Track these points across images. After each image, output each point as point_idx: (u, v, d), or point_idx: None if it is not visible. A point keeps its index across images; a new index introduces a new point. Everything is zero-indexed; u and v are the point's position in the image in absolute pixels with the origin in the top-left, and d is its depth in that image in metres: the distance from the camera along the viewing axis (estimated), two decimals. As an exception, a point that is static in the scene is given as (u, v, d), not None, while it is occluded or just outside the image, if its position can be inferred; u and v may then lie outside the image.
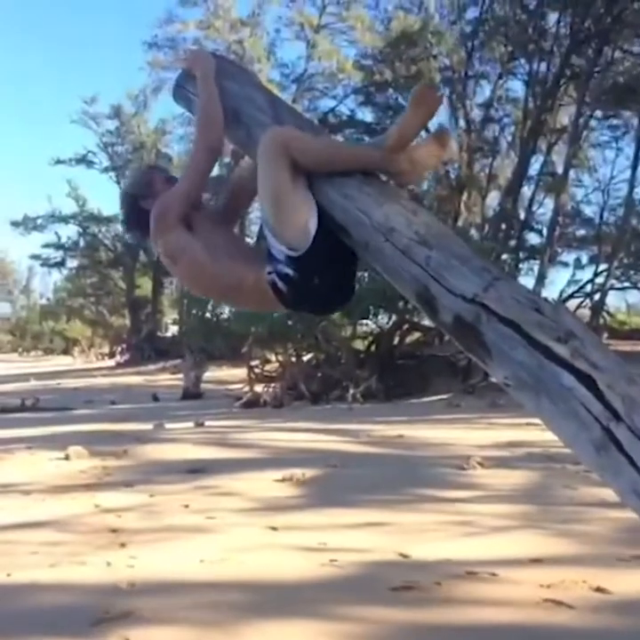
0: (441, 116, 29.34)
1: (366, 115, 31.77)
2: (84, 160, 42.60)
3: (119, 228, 44.97)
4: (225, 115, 2.43)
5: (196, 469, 8.72)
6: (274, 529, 6.07)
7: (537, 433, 9.63)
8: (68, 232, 44.82)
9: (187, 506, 6.93)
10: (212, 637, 4.00)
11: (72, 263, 47.03)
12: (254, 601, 4.50)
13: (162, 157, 42.31)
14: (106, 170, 43.51)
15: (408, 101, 2.33)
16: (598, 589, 4.49)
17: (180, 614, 4.30)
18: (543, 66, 25.94)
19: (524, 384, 1.97)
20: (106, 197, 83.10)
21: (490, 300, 2.00)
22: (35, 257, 46.67)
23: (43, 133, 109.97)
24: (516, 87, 29.66)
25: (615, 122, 28.66)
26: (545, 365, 1.91)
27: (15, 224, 43.15)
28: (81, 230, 44.42)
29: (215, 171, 2.68)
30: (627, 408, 1.83)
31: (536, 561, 5.09)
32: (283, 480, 7.94)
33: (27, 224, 42.97)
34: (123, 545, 5.68)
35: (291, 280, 2.26)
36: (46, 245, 44.26)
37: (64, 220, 43.39)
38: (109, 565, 5.18)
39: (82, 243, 44.72)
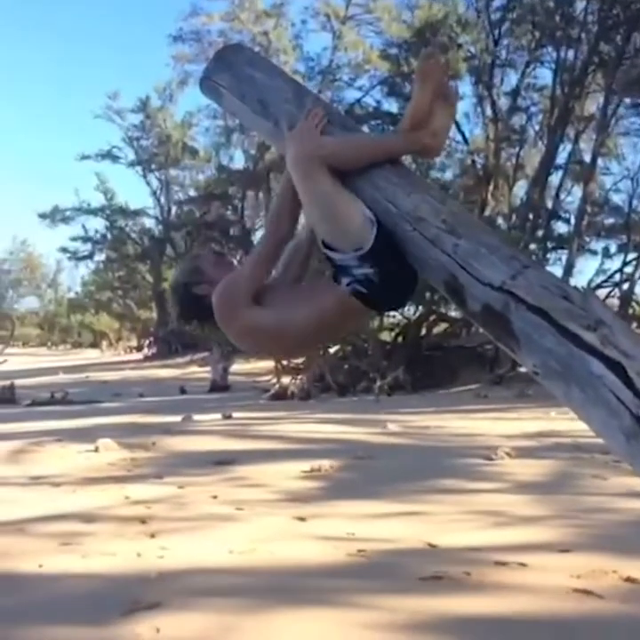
0: (467, 105, 29.26)
1: (392, 105, 31.70)
2: (109, 155, 42.81)
3: (145, 221, 45.35)
4: (251, 106, 2.44)
5: (225, 461, 8.76)
6: (302, 519, 6.09)
7: (566, 423, 9.59)
8: (96, 225, 45.15)
9: (215, 497, 6.97)
10: (241, 626, 4.02)
11: (100, 256, 47.37)
12: (283, 590, 4.52)
13: (188, 151, 42.45)
14: (131, 164, 43.70)
15: (414, 78, 2.36)
16: (628, 579, 4.47)
17: (209, 603, 4.33)
18: (571, 53, 25.70)
19: (553, 372, 1.96)
20: (132, 191, 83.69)
21: (518, 288, 1.99)
22: (63, 250, 47.04)
23: (69, 130, 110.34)
24: (544, 75, 29.32)
25: (642, 110, 28.39)
26: (574, 353, 1.90)
27: (43, 216, 43.47)
28: (108, 224, 44.65)
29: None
30: (657, 396, 1.81)
31: (565, 551, 5.07)
32: (310, 471, 7.96)
33: (54, 216, 43.25)
34: (152, 535, 5.72)
35: (371, 278, 2.22)
36: (74, 238, 44.61)
37: (92, 212, 43.61)
38: (139, 556, 5.22)
39: (109, 236, 44.97)
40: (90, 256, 46.48)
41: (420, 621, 4.06)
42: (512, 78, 29.27)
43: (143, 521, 6.18)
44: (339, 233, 2.22)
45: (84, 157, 42.72)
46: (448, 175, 30.24)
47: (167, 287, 43.08)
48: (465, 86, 29.58)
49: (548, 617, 4.05)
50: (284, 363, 21.35)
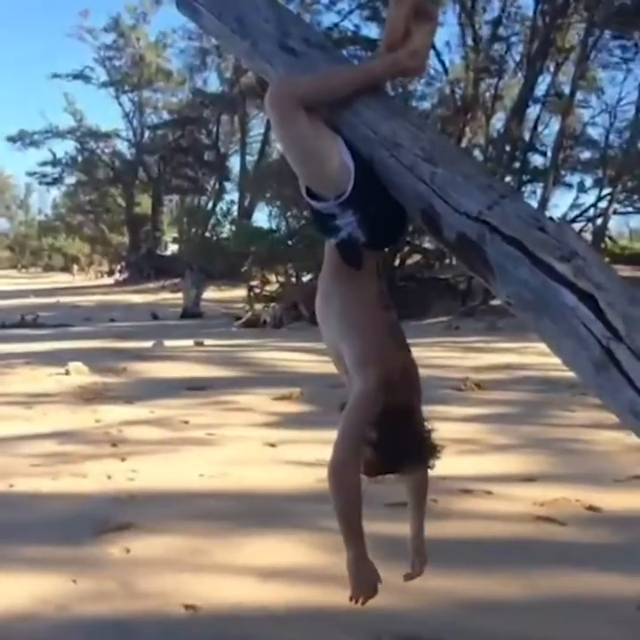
0: (448, 34, 28.80)
1: (371, 30, 31.10)
2: (81, 75, 41.78)
3: (117, 144, 44.58)
4: (229, 25, 2.37)
5: (196, 387, 8.80)
6: (272, 445, 6.16)
7: (535, 356, 9.71)
8: (66, 148, 44.34)
9: (187, 422, 7.02)
10: (210, 548, 4.09)
11: (70, 179, 46.62)
12: (251, 513, 4.58)
13: (161, 72, 41.58)
14: (104, 85, 42.73)
15: None
16: (591, 508, 4.59)
17: (179, 525, 4.39)
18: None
19: (526, 303, 1.96)
20: (104, 113, 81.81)
21: (494, 218, 1.97)
22: (31, 174, 46.27)
23: (37, 48, 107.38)
24: (527, 5, 28.81)
25: (625, 42, 28.06)
26: (548, 284, 1.90)
27: (11, 139, 42.62)
28: (79, 146, 43.87)
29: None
30: (627, 328, 1.82)
31: (530, 480, 5.18)
32: (282, 398, 8.03)
33: (23, 139, 42.41)
34: (123, 458, 5.77)
35: (357, 227, 2.16)
36: (44, 163, 43.82)
37: (61, 135, 42.76)
38: (110, 478, 5.27)
39: (79, 159, 44.20)
40: (59, 179, 45.74)
41: (384, 545, 4.14)
42: (495, 6, 28.78)
43: (114, 444, 6.22)
44: (318, 177, 2.16)
45: (55, 76, 41.74)
46: (427, 105, 29.85)
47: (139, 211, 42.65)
48: (447, 13, 29.07)
49: (511, 541, 4.16)
50: (257, 291, 21.33)
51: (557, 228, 1.98)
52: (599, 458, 5.80)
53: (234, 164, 42.33)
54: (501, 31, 28.70)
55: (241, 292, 22.39)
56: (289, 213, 22.66)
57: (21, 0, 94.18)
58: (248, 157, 39.92)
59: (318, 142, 2.12)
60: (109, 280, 41.25)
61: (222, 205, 36.53)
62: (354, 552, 2.21)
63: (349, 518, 2.22)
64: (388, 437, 2.24)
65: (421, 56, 2.26)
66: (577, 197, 30.11)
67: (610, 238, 29.43)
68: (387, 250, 2.40)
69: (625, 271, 21.87)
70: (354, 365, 2.24)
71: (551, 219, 2.04)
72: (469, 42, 28.25)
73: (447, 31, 28.36)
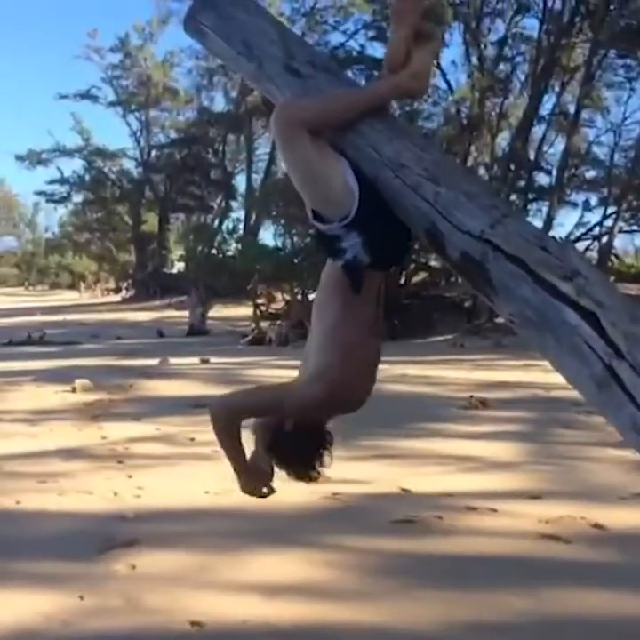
0: (453, 53, 28.95)
1: (377, 50, 31.28)
2: (88, 95, 42.11)
3: (124, 163, 44.81)
4: (235, 47, 2.41)
5: (202, 404, 8.79)
6: (278, 463, 6.15)
7: (540, 374, 9.70)
8: (74, 166, 44.60)
9: (192, 439, 7.03)
10: (216, 564, 4.10)
11: (77, 198, 46.87)
12: (257, 531, 4.59)
13: (168, 91, 41.82)
14: (111, 104, 43.03)
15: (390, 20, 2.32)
16: (596, 526, 4.59)
17: (185, 542, 4.40)
18: (558, 3, 25.44)
19: (528, 321, 1.98)
20: (112, 132, 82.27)
21: (497, 237, 2.00)
22: (39, 193, 46.57)
23: (45, 68, 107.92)
24: (531, 25, 28.96)
25: (629, 62, 28.16)
26: (550, 303, 1.92)
27: (20, 158, 42.90)
28: (86, 165, 44.12)
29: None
30: (629, 345, 1.84)
31: (535, 497, 5.18)
32: (287, 415, 8.03)
33: (31, 158, 42.69)
34: (129, 475, 5.78)
35: (360, 250, 2.15)
36: (51, 181, 44.09)
37: (69, 154, 43.07)
38: (116, 495, 5.29)
39: (87, 177, 44.44)
40: (67, 198, 45.99)
41: (390, 562, 4.16)
42: (499, 27, 28.95)
43: (120, 461, 6.24)
44: (323, 199, 2.17)
45: (63, 97, 42.07)
46: (433, 124, 29.98)
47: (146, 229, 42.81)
48: (453, 35, 29.29)
49: (516, 559, 4.16)
50: (263, 308, 21.37)
51: (559, 247, 2.00)
52: (604, 476, 5.80)
53: (240, 182, 42.60)
54: (506, 51, 28.85)
55: (247, 310, 22.43)
56: (294, 231, 22.73)
57: (29, 20, 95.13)
58: (254, 176, 40.16)
59: (322, 165, 2.13)
60: (116, 298, 41.37)
61: (228, 223, 36.74)
62: (234, 467, 2.42)
63: (228, 451, 2.38)
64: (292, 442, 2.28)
65: (423, 77, 2.28)
66: (582, 216, 30.16)
67: (616, 256, 29.42)
68: (392, 270, 2.38)
69: (631, 290, 21.87)
70: (314, 370, 2.25)
71: (553, 238, 2.06)
72: (475, 61, 28.39)
73: (453, 51, 28.57)
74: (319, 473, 2.34)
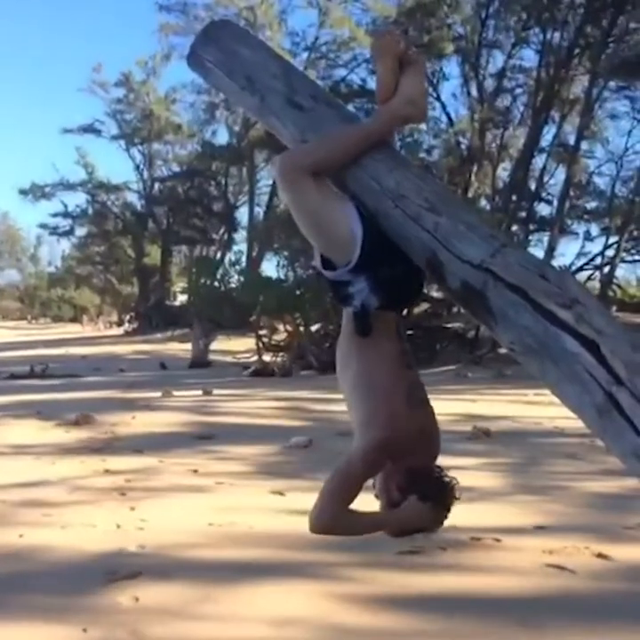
0: (453, 86, 29.19)
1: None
2: (91, 129, 42.52)
3: (128, 196, 45.04)
4: (238, 82, 2.45)
5: (205, 436, 8.81)
6: (281, 493, 6.15)
7: (543, 404, 9.69)
8: (77, 200, 44.83)
9: (195, 471, 7.02)
10: (220, 596, 4.09)
11: (80, 231, 47.08)
12: (260, 562, 4.58)
13: (171, 125, 42.14)
14: (114, 138, 43.41)
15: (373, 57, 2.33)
16: (600, 556, 4.57)
17: (188, 574, 4.39)
18: (557, 35, 25.70)
19: (529, 349, 2.00)
20: (115, 165, 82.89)
21: (497, 266, 2.02)
22: (43, 226, 46.81)
23: (50, 102, 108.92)
24: (530, 57, 29.26)
25: (629, 93, 28.41)
26: (550, 330, 1.94)
27: (23, 192, 43.14)
28: (89, 198, 44.36)
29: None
30: (629, 372, 1.86)
31: (540, 528, 5.16)
32: (290, 447, 8.02)
33: (35, 192, 42.93)
34: (132, 508, 5.77)
35: (370, 293, 2.16)
36: (54, 214, 44.33)
37: (72, 187, 43.29)
38: (119, 527, 5.27)
39: (90, 211, 44.67)
40: (70, 231, 46.22)
41: (395, 594, 4.13)
42: (498, 60, 29.23)
43: (123, 493, 6.23)
44: (328, 245, 2.19)
45: (67, 131, 42.45)
46: (434, 156, 30.17)
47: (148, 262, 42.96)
48: (452, 67, 29.58)
49: (521, 590, 4.14)
50: (266, 340, 21.37)
51: (558, 275, 2.03)
52: (608, 505, 5.78)
53: (242, 214, 42.77)
54: (506, 83, 29.11)
55: (250, 342, 22.42)
56: (297, 263, 22.80)
57: (33, 52, 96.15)
58: (256, 208, 40.33)
59: (327, 211, 2.15)
60: (118, 331, 41.41)
61: (231, 256, 36.83)
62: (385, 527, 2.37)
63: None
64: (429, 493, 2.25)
65: (417, 100, 2.27)
66: (583, 246, 30.28)
67: (618, 286, 29.49)
68: (404, 310, 2.35)
69: (634, 319, 21.88)
70: (360, 424, 2.23)
71: (552, 267, 2.09)
72: (474, 93, 28.64)
73: (452, 83, 28.84)
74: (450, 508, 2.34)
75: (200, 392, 13.70)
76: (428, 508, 2.25)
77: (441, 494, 2.29)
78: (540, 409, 10.00)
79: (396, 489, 2.26)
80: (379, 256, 2.15)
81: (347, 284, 2.19)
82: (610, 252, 27.46)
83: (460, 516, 5.51)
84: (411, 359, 2.33)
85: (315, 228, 2.18)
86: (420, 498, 2.24)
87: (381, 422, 2.18)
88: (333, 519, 2.25)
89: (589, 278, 26.80)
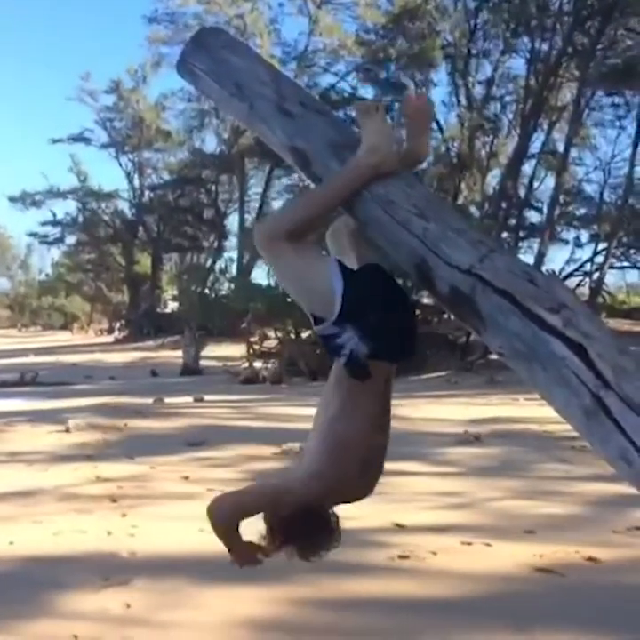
0: (442, 94, 29.34)
1: (368, 92, 31.68)
2: (81, 137, 42.51)
3: (118, 204, 45.01)
4: (228, 88, 2.47)
5: (196, 442, 8.81)
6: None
7: (533, 409, 9.73)
8: (67, 208, 44.79)
9: (186, 477, 7.02)
10: (210, 603, 4.09)
11: (71, 239, 47.00)
12: (253, 570, 4.57)
13: (161, 133, 42.16)
14: (104, 146, 43.39)
15: (404, 119, 2.36)
16: (590, 559, 4.59)
17: (180, 580, 4.39)
18: (545, 44, 25.84)
19: (517, 353, 2.02)
20: (105, 174, 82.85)
21: (485, 271, 2.04)
22: (32, 234, 46.77)
23: (40, 111, 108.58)
24: (518, 65, 29.48)
25: (617, 100, 28.55)
26: (538, 335, 1.96)
27: (13, 200, 43.08)
28: (80, 206, 44.32)
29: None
30: (616, 376, 1.88)
31: (530, 532, 5.18)
32: (282, 453, 8.03)
33: (25, 200, 42.88)
34: (124, 514, 5.77)
35: (360, 341, 2.13)
36: (44, 223, 44.27)
37: (62, 195, 43.24)
38: (110, 534, 5.27)
39: (80, 218, 44.61)
40: (60, 239, 46.17)
41: (387, 600, 4.15)
42: (487, 68, 29.39)
43: (114, 500, 6.23)
44: (313, 302, 2.20)
45: (56, 141, 42.44)
46: (423, 164, 30.28)
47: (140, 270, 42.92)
48: (441, 74, 29.70)
49: (511, 594, 4.16)
50: (256, 347, 21.37)
51: (546, 280, 2.05)
52: (597, 509, 5.81)
53: (232, 222, 42.78)
54: (494, 91, 29.25)
55: (240, 349, 22.41)
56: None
57: (21, 60, 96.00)
58: (246, 215, 40.33)
59: (304, 271, 2.18)
60: (109, 338, 41.32)
61: (221, 263, 36.91)
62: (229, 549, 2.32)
63: (229, 544, 2.31)
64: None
65: (379, 147, 2.20)
66: (573, 252, 30.42)
67: (607, 293, 29.59)
68: (399, 361, 2.32)
69: (624, 325, 21.97)
70: (309, 467, 2.22)
71: (540, 271, 2.11)
72: (463, 101, 28.77)
73: (441, 91, 29.02)
74: (324, 554, 2.29)
75: (191, 399, 13.70)
76: None
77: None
78: (530, 413, 10.04)
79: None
80: (364, 305, 2.15)
81: (335, 337, 2.17)
82: (599, 259, 27.57)
83: (451, 519, 5.55)
84: (387, 422, 2.30)
85: (295, 288, 2.25)
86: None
87: (323, 482, 2.18)
88: (232, 511, 2.27)
89: (579, 285, 26.88)
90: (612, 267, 28.49)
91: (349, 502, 2.30)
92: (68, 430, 9.68)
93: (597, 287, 26.48)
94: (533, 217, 30.27)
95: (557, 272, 26.07)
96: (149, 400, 13.28)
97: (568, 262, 29.61)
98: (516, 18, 26.35)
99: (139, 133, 42.00)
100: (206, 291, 30.16)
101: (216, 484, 6.68)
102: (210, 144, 42.11)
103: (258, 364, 20.13)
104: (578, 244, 30.83)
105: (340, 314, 2.13)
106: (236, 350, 23.71)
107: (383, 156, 2.19)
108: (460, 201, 27.68)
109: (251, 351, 21.02)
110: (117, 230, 44.11)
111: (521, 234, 28.54)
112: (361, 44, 31.19)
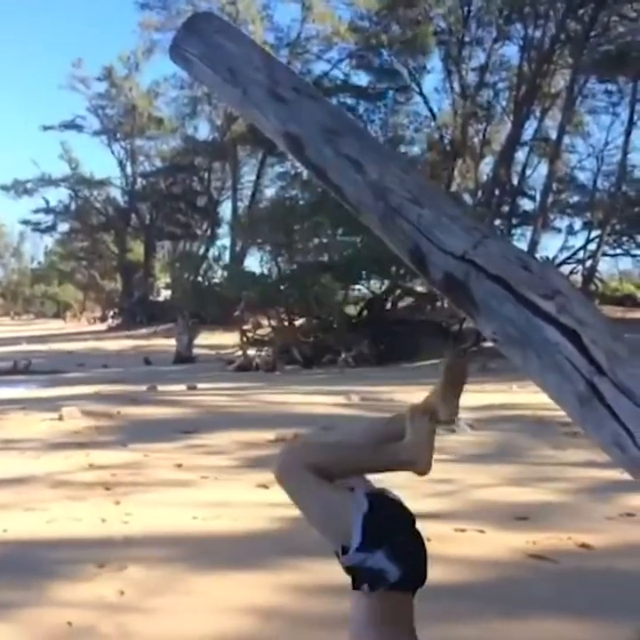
0: (435, 81, 29.29)
1: (361, 78, 31.59)
2: (73, 125, 42.35)
3: (110, 191, 44.89)
4: (221, 74, 2.46)
5: (189, 430, 8.81)
6: (265, 487, 6.15)
7: (526, 396, 9.75)
8: (59, 196, 44.68)
9: (180, 465, 7.02)
10: (207, 589, 4.09)
11: (63, 227, 46.92)
12: (246, 555, 4.59)
13: (153, 120, 42.02)
14: (96, 133, 43.23)
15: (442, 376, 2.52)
16: (583, 545, 4.61)
17: (174, 568, 4.39)
18: (539, 31, 25.80)
19: (511, 339, 2.02)
20: (97, 161, 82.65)
21: (479, 257, 2.04)
22: (25, 222, 46.67)
23: (32, 99, 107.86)
24: (512, 52, 29.36)
25: (610, 87, 28.50)
26: (532, 321, 1.96)
27: (5, 188, 42.95)
28: (72, 194, 44.19)
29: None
30: (610, 362, 1.88)
31: (523, 519, 5.20)
32: (276, 440, 8.03)
33: (17, 188, 42.73)
34: (117, 502, 5.77)
35: (388, 561, 2.07)
36: (36, 211, 44.16)
37: (54, 183, 43.10)
38: (104, 521, 5.27)
39: (73, 206, 44.49)
40: (53, 227, 46.05)
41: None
42: (480, 55, 29.34)
43: (108, 487, 6.23)
44: (336, 535, 2.16)
45: (48, 128, 42.32)
46: (416, 150, 30.23)
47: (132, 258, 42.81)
48: (434, 60, 29.64)
49: (505, 581, 4.17)
50: (250, 335, 21.38)
51: (541, 266, 2.04)
52: (590, 495, 5.83)
53: (225, 209, 42.72)
54: (488, 78, 29.21)
55: (233, 337, 22.42)
56: (280, 258, 22.81)
57: (13, 48, 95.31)
58: (239, 203, 40.25)
59: (329, 504, 2.17)
60: (102, 326, 41.31)
61: (214, 251, 36.86)
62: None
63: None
64: None
65: (422, 458, 2.37)
66: (566, 240, 30.45)
67: (600, 280, 29.65)
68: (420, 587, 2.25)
69: (616, 312, 22.01)
70: None
71: (534, 258, 2.11)
72: (457, 88, 28.73)
73: (434, 77, 28.98)
74: None
75: (184, 387, 13.69)
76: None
77: None
78: (523, 400, 10.06)
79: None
80: (389, 527, 2.15)
81: (362, 563, 2.08)
82: (592, 246, 27.62)
83: (444, 506, 5.55)
84: None
85: (321, 521, 2.23)
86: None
87: None
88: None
89: (572, 272, 26.93)
90: (604, 254, 28.59)
91: None
92: (61, 418, 9.67)
93: (590, 274, 26.57)
94: (526, 204, 30.34)
95: (552, 259, 26.15)
96: (143, 388, 13.28)
97: (561, 250, 29.70)
98: (509, 4, 26.32)
99: (131, 120, 41.89)
100: (199, 279, 30.12)
101: (209, 472, 6.70)
102: (202, 131, 42.11)
103: (251, 352, 20.13)
104: (571, 231, 30.92)
105: (363, 542, 2.07)
106: (229, 338, 23.72)
107: (420, 464, 2.37)
108: (454, 188, 27.66)
109: (244, 339, 21.02)
110: (110, 218, 44.03)
111: (514, 221, 28.59)
112: (354, 31, 31.08)
